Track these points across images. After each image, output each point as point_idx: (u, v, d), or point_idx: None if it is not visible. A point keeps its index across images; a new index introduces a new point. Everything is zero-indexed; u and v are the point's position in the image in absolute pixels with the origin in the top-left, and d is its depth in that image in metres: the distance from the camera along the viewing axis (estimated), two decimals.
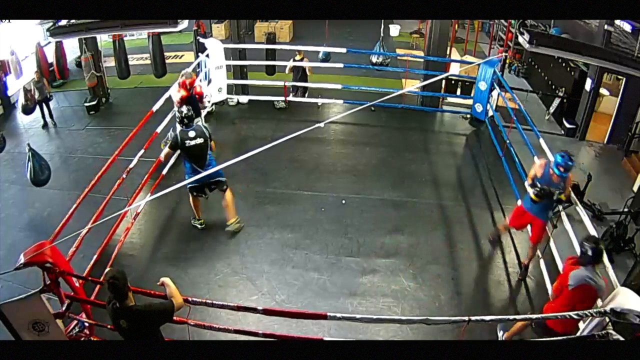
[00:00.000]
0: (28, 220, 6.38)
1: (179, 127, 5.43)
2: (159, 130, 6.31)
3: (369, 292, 5.12)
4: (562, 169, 4.63)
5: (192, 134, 5.31)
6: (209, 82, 8.30)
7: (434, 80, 7.38)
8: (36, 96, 8.58)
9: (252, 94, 9.17)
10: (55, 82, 10.43)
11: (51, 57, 10.15)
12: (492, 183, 6.80)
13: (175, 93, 6.55)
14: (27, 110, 8.58)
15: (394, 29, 14.33)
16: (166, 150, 5.62)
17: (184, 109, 5.39)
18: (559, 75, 9.57)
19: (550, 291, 4.76)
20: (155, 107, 6.33)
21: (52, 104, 8.97)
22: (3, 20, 8.35)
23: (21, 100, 8.44)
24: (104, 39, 9.95)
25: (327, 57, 9.06)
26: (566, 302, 3.89)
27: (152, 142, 6.23)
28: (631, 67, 5.54)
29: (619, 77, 8.51)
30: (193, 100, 6.52)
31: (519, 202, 5.84)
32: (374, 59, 9.07)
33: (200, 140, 5.33)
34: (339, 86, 9.01)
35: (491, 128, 7.81)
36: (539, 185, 4.77)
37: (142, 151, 5.94)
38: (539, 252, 5.29)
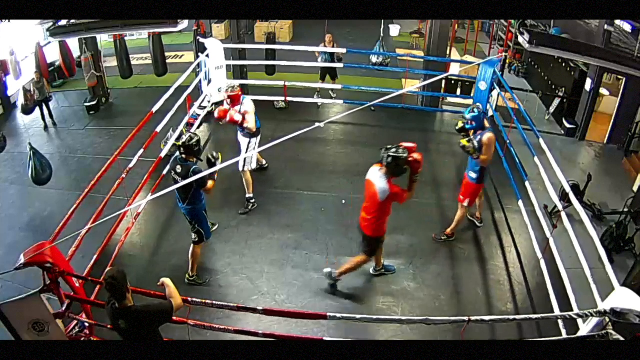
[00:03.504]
0: (28, 220, 6.38)
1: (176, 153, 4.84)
2: (158, 129, 6.31)
3: (369, 292, 5.12)
4: (471, 122, 5.37)
5: (179, 169, 4.71)
6: (209, 82, 8.31)
7: (434, 80, 7.39)
8: (36, 97, 8.58)
9: (252, 94, 9.14)
10: (55, 82, 10.45)
11: (52, 57, 10.15)
12: (492, 183, 6.79)
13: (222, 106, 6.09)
14: (27, 111, 8.59)
15: (394, 29, 14.32)
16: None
17: (186, 136, 4.73)
18: (559, 75, 9.56)
19: (551, 291, 4.76)
20: (155, 109, 6.33)
21: (52, 104, 8.97)
22: (3, 20, 8.35)
23: (21, 101, 8.46)
24: (104, 39, 9.95)
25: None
26: None
27: (151, 142, 6.23)
28: (631, 67, 5.56)
29: (619, 77, 8.50)
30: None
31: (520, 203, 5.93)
32: (374, 59, 9.06)
33: (179, 180, 4.61)
34: (339, 86, 9.02)
35: (491, 128, 7.79)
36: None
37: (141, 151, 5.94)
38: (539, 252, 5.29)
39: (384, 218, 4.70)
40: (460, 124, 5.48)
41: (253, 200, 6.28)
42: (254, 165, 6.26)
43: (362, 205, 4.80)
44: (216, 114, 6.04)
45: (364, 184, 6.74)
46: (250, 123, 5.93)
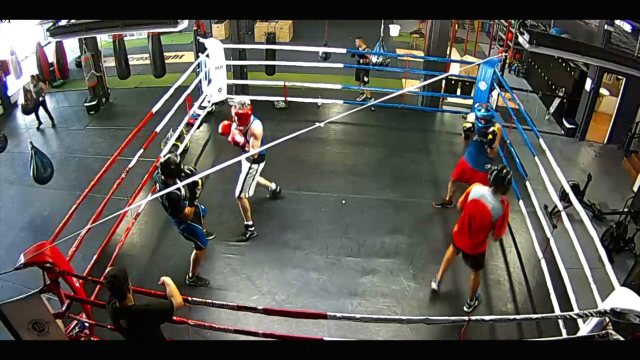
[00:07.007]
0: (28, 220, 6.38)
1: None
2: (158, 129, 6.31)
3: (369, 292, 5.12)
4: (483, 121, 5.39)
5: (158, 187, 4.53)
6: (209, 82, 8.31)
7: (434, 80, 7.38)
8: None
9: (252, 94, 9.16)
10: (55, 82, 10.44)
11: (52, 57, 10.16)
12: None
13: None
14: (27, 111, 8.59)
15: (394, 29, 14.33)
16: None
17: (165, 157, 4.44)
18: (559, 75, 9.56)
19: (551, 290, 4.76)
20: (154, 109, 6.32)
21: (52, 104, 8.99)
22: (3, 20, 8.35)
23: (21, 100, 8.46)
24: (104, 39, 9.95)
25: (327, 56, 9.06)
26: (463, 212, 4.54)
27: (151, 142, 6.23)
28: (631, 67, 5.55)
29: (619, 77, 8.50)
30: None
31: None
32: (374, 59, 9.07)
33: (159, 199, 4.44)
34: (339, 86, 9.02)
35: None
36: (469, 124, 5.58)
37: (141, 151, 5.93)
38: (539, 252, 5.29)
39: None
40: (469, 125, 5.60)
41: (252, 228, 5.81)
42: (251, 193, 5.71)
43: (458, 229, 4.64)
44: (220, 129, 5.56)
45: (363, 184, 6.83)
46: (255, 150, 5.27)
